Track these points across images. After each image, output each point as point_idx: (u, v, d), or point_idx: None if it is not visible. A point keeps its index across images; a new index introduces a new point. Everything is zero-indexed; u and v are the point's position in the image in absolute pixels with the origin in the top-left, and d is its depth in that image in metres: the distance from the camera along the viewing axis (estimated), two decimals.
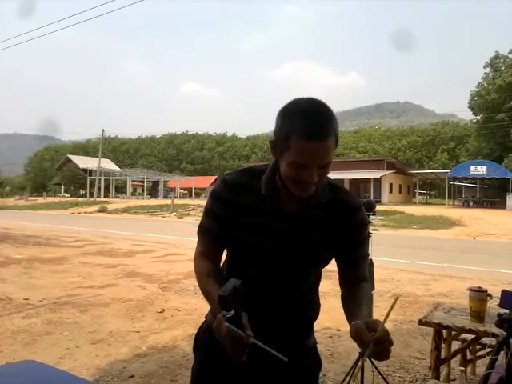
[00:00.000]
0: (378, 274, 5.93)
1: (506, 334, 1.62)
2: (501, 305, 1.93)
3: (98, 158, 48.12)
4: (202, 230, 1.27)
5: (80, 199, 44.66)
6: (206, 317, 1.40)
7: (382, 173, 35.33)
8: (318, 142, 1.01)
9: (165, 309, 5.11)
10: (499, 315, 1.65)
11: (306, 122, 1.01)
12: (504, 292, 1.93)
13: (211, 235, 1.25)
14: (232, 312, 0.96)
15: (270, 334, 1.18)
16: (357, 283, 1.25)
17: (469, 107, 41.03)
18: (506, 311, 1.72)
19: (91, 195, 47.87)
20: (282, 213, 1.19)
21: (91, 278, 6.98)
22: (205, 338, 1.33)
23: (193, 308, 5.14)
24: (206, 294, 1.16)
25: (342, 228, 1.21)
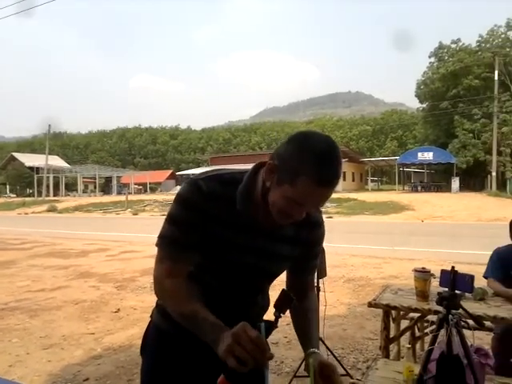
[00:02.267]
0: (332, 260, 6.10)
1: (445, 310, 1.70)
2: (440, 284, 2.04)
3: (45, 155, 45.90)
4: (168, 242, 1.10)
5: (27, 199, 42.49)
6: (151, 316, 1.35)
7: None
8: (327, 189, 0.98)
9: (120, 308, 5.00)
10: (439, 293, 1.74)
11: (322, 168, 0.95)
12: (443, 271, 2.04)
13: (181, 247, 1.10)
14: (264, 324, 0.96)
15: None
16: (305, 292, 1.30)
17: (415, 96, 42.70)
18: (446, 289, 1.81)
19: (39, 194, 45.69)
20: (256, 229, 1.14)
21: (41, 281, 6.70)
22: (153, 340, 1.30)
23: (150, 305, 5.02)
24: (194, 319, 1.02)
25: (306, 243, 1.23)
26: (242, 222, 1.13)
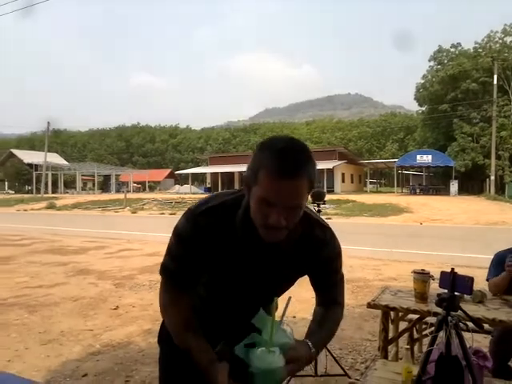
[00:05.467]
0: None
1: (444, 312, 1.72)
2: (440, 285, 2.06)
3: (44, 152, 45.83)
4: (169, 275, 1.17)
5: (26, 195, 42.42)
6: None
7: (334, 163, 36.21)
8: (288, 181, 0.96)
9: (119, 305, 5.01)
10: (438, 295, 1.75)
11: (279, 158, 0.96)
12: (443, 273, 2.05)
13: (182, 281, 1.16)
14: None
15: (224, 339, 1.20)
16: (330, 306, 1.30)
17: (415, 99, 42.82)
18: (445, 291, 1.83)
19: (38, 191, 45.62)
20: (260, 254, 1.14)
21: (40, 278, 6.70)
22: (167, 332, 1.32)
23: (148, 303, 5.06)
24: (190, 350, 1.12)
25: (314, 262, 1.21)
26: (244, 247, 1.12)
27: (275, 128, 78.82)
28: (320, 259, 1.20)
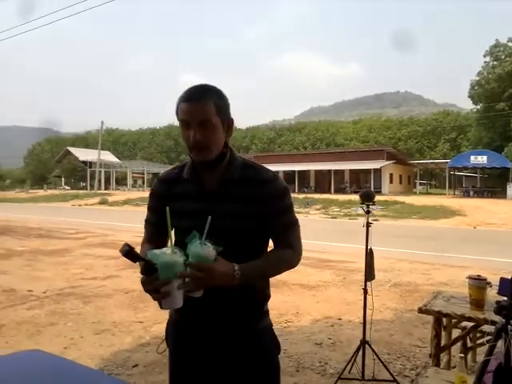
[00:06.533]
0: (378, 263, 5.96)
1: (504, 320, 1.64)
2: (499, 292, 1.96)
3: (97, 150, 47.99)
4: (145, 221, 1.51)
5: (80, 191, 44.66)
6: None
7: (382, 163, 35.25)
8: (194, 103, 1.26)
9: None
10: (497, 302, 1.67)
11: (187, 91, 1.29)
12: (502, 279, 1.96)
13: (150, 225, 1.48)
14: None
15: (215, 316, 1.33)
16: (279, 248, 1.37)
17: (469, 97, 40.83)
18: (505, 298, 1.74)
19: (91, 187, 47.85)
20: (202, 193, 1.35)
21: (93, 270, 7.03)
22: (172, 331, 1.47)
23: None
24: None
25: (257, 200, 1.32)
26: (190, 190, 1.37)
27: (320, 126, 77.96)
28: (263, 196, 1.33)
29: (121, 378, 3.01)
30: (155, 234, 1.45)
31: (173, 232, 1.29)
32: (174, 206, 1.32)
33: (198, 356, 1.37)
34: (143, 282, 1.18)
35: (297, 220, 1.41)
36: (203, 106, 1.25)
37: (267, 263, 1.36)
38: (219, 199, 1.33)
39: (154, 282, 1.14)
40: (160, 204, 1.36)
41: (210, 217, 1.19)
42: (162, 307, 1.18)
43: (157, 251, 1.15)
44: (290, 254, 1.38)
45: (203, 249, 1.15)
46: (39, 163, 75.73)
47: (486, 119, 38.29)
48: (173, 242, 1.22)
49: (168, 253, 1.15)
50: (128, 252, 1.12)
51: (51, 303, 5.01)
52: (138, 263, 1.19)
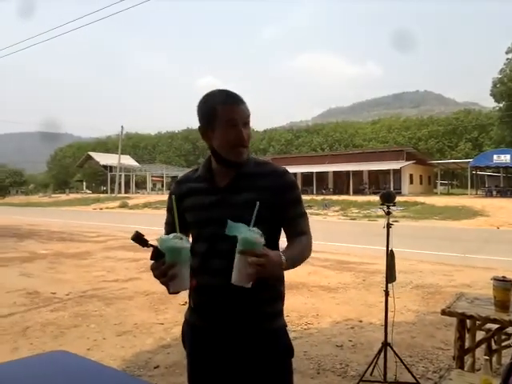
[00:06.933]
0: (399, 265, 5.88)
1: None
2: None
3: (118, 155, 48.75)
4: (165, 223, 1.55)
5: (101, 195, 45.44)
6: (185, 315, 1.54)
7: (401, 163, 34.77)
8: (240, 105, 1.34)
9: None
10: None
11: (227, 95, 1.36)
12: None
13: (169, 226, 1.46)
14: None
15: (228, 315, 1.35)
16: (296, 237, 1.41)
17: (491, 94, 39.99)
18: None
19: (112, 191, 48.64)
20: (215, 187, 1.40)
21: (115, 272, 7.13)
22: (188, 333, 1.50)
23: None
24: None
25: (269, 189, 1.37)
26: (203, 186, 1.42)
27: (338, 128, 77.37)
28: (277, 185, 1.38)
29: (143, 379, 3.04)
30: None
31: (182, 226, 1.33)
32: (189, 202, 1.43)
33: (213, 358, 1.39)
34: (152, 268, 1.23)
35: (306, 213, 1.49)
36: (246, 107, 1.37)
37: (296, 250, 1.37)
38: (232, 191, 1.38)
39: (161, 266, 1.19)
40: (176, 204, 1.39)
41: (258, 202, 1.23)
42: (170, 292, 1.23)
43: (164, 237, 1.22)
44: (307, 239, 1.43)
45: (256, 236, 1.16)
46: (61, 168, 77.44)
47: (509, 117, 37.46)
48: (177, 229, 1.28)
49: (174, 238, 1.21)
50: (137, 237, 1.22)
51: (74, 305, 5.10)
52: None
